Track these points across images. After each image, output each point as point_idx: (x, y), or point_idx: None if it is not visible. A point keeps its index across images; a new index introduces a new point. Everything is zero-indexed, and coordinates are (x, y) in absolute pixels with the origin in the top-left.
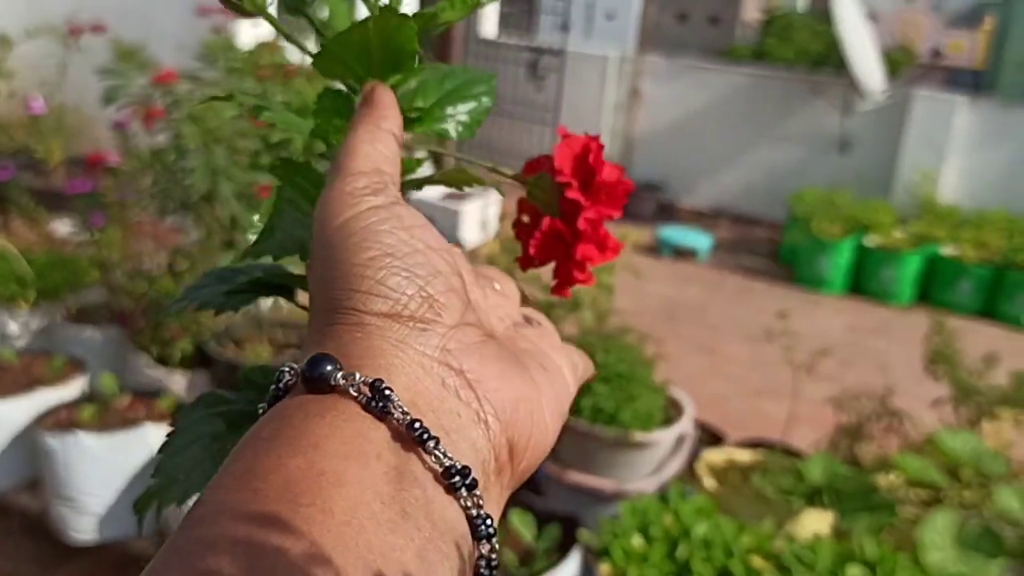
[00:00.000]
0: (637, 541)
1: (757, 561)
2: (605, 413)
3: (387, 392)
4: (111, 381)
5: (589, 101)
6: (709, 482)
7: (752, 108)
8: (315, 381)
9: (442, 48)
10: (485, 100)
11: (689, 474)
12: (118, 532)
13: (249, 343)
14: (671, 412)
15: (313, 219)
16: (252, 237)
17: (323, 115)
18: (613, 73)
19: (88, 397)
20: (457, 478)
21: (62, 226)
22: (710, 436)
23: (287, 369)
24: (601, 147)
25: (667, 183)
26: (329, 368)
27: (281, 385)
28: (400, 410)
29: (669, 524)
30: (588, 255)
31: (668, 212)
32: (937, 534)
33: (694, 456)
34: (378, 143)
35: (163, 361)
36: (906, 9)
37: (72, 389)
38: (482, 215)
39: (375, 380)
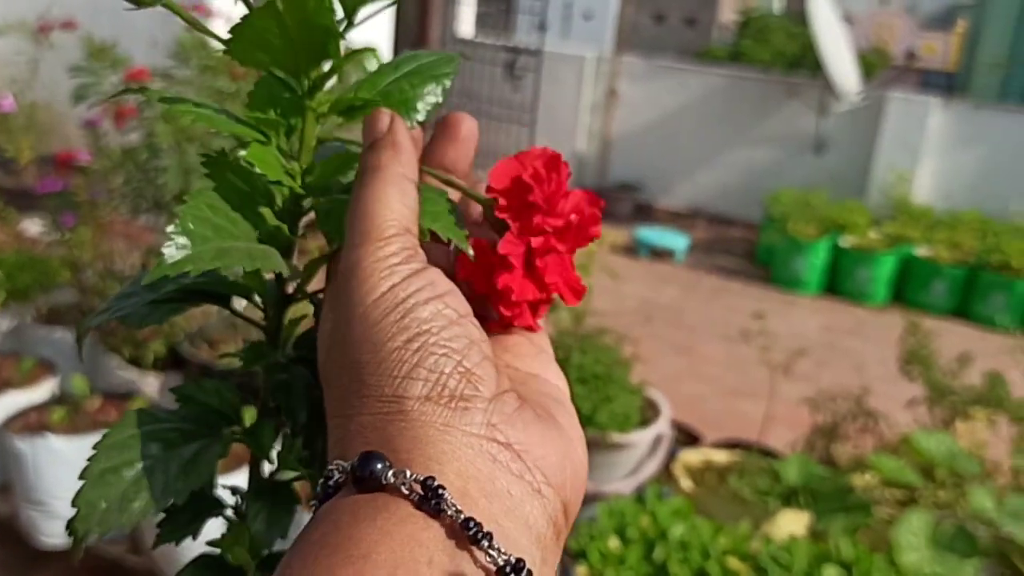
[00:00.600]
0: (614, 543)
1: (734, 562)
2: (582, 415)
3: (440, 491)
4: (82, 383)
5: (566, 101)
6: (686, 483)
7: (728, 109)
8: (366, 480)
9: (419, 47)
10: (445, 82)
11: (666, 475)
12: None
13: (223, 344)
14: (648, 413)
15: (339, 288)
16: (169, 248)
17: (258, 106)
18: (590, 73)
19: (58, 399)
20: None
21: (32, 225)
22: (687, 436)
23: (335, 467)
24: (555, 165)
25: (644, 183)
26: (379, 466)
27: (331, 483)
28: (453, 508)
29: (646, 526)
30: (512, 288)
31: (645, 212)
32: (912, 534)
33: (671, 457)
34: (406, 196)
35: (135, 362)
36: (880, 12)
37: (42, 391)
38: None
39: (427, 478)
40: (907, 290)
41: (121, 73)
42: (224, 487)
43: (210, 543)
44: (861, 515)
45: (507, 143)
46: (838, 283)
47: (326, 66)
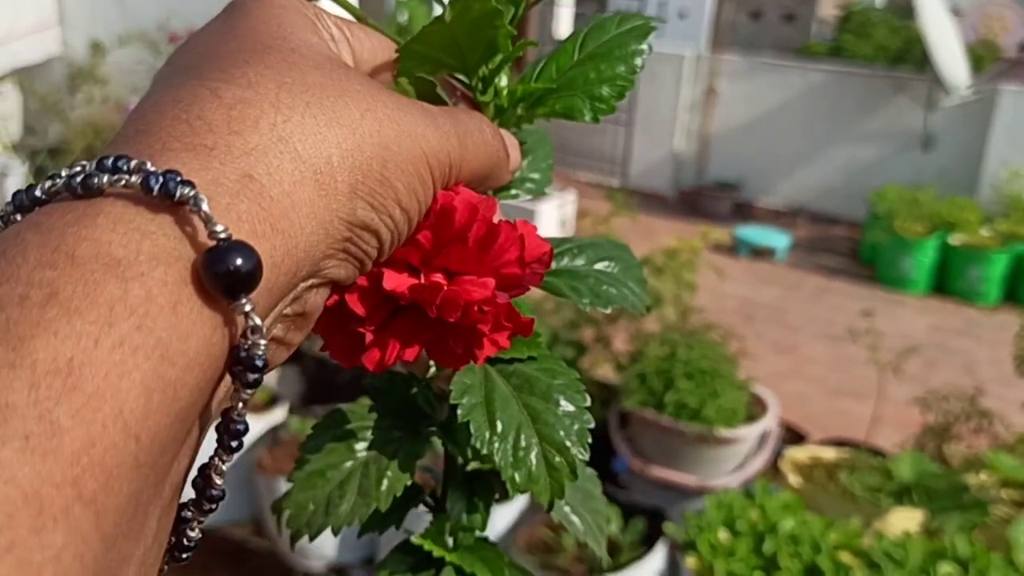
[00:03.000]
0: (723, 535)
1: (846, 557)
2: (689, 409)
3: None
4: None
5: (664, 100)
6: (794, 479)
7: (831, 106)
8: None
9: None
10: (637, 62)
11: (773, 471)
12: (217, 518)
13: None
14: (755, 409)
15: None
16: None
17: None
18: (689, 72)
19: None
20: None
21: None
22: (792, 435)
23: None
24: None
25: (744, 182)
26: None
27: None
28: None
29: (755, 519)
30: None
31: (745, 211)
32: None
33: (777, 454)
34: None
35: None
36: (989, 3)
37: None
38: (560, 214)
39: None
40: (1020, 290)
41: None
42: (423, 468)
43: (413, 537)
44: (977, 514)
45: (603, 143)
46: (947, 282)
47: (496, 60)
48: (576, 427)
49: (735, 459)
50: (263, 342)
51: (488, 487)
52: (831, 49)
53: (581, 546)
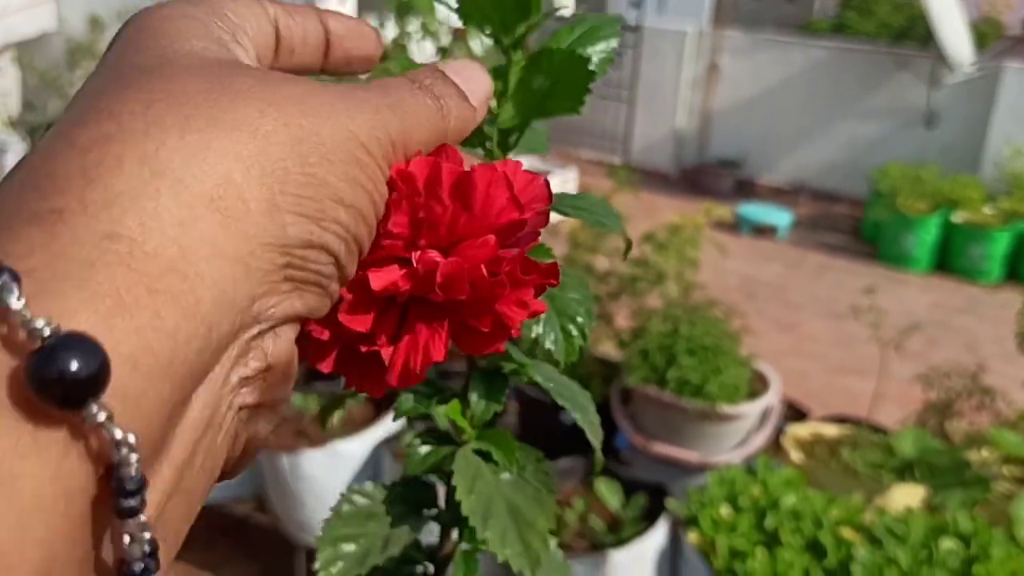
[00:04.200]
0: (725, 510)
1: (847, 533)
2: (691, 385)
3: None
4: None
5: (666, 77)
6: (796, 455)
7: (833, 82)
8: None
9: None
10: (612, 42)
11: (775, 448)
12: (220, 494)
13: None
14: (757, 386)
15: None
16: None
17: None
18: (691, 49)
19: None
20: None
21: None
22: (794, 412)
23: None
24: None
25: (745, 159)
26: None
27: None
28: None
29: (757, 495)
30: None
31: (746, 189)
32: None
33: (779, 431)
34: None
35: None
36: None
37: None
38: (561, 191)
39: None
40: (1022, 268)
41: None
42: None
43: (440, 408)
44: (979, 490)
45: (604, 120)
46: (949, 260)
47: (524, 26)
48: (583, 308)
49: (737, 435)
50: (134, 456)
51: (503, 381)
52: (834, 26)
53: (583, 521)
